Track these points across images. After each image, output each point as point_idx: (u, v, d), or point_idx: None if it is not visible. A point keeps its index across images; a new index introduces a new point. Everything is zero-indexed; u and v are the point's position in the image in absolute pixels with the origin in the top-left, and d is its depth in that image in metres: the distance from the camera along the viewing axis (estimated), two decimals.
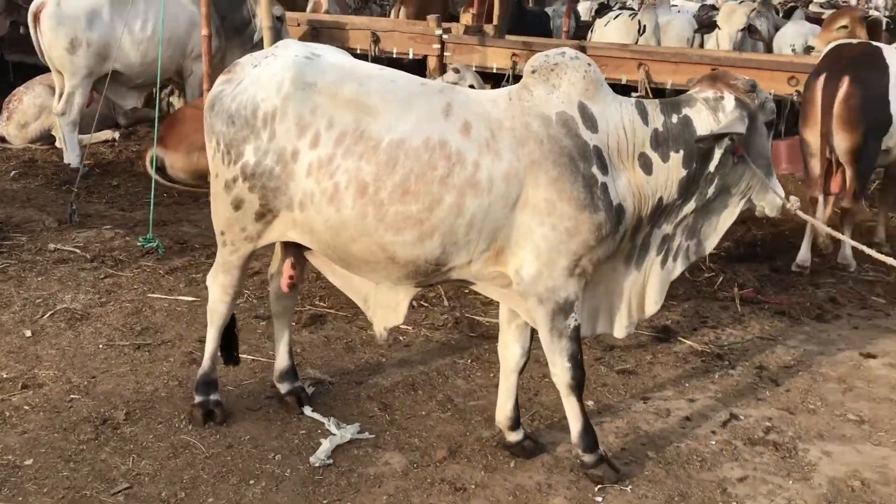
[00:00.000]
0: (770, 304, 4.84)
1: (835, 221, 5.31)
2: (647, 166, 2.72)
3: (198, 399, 3.29)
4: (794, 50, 8.93)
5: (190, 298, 4.49)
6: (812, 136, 5.06)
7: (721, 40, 7.46)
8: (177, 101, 7.19)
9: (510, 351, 3.13)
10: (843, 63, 4.96)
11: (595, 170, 2.63)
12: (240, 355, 3.57)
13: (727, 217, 2.98)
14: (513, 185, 2.63)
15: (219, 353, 3.35)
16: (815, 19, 11.96)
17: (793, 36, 9.26)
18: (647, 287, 2.96)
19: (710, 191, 2.85)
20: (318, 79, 2.71)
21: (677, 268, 2.98)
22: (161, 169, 6.19)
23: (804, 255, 5.29)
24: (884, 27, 9.11)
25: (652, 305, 2.98)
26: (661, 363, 4.08)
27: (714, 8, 13.79)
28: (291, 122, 2.69)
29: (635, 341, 4.25)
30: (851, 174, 5.04)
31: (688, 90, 2.95)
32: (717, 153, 2.78)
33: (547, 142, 2.62)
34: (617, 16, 8.78)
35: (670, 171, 2.74)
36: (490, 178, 2.61)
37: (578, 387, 2.94)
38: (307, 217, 2.75)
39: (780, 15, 11.76)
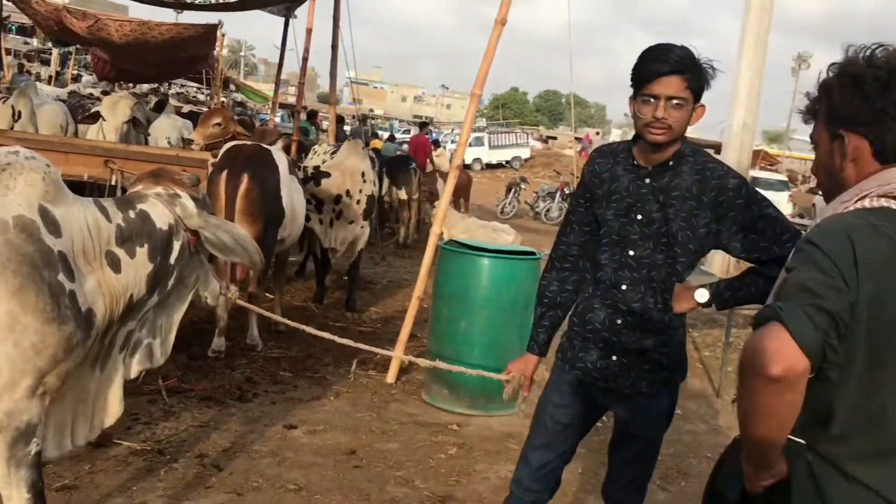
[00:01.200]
0: (195, 391, 4.97)
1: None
2: (115, 264, 2.62)
3: None
4: (169, 142, 9.36)
5: None
6: None
7: (107, 132, 7.38)
8: None
9: None
10: (241, 161, 5.46)
11: (62, 277, 2.43)
12: None
13: (180, 310, 3.05)
14: None
15: None
16: (180, 113, 12.75)
17: (167, 129, 9.67)
18: (109, 388, 2.83)
19: (170, 283, 2.88)
20: None
21: (133, 366, 2.92)
22: None
23: (218, 340, 5.58)
24: (249, 125, 10.21)
25: (117, 406, 2.86)
26: (103, 471, 3.86)
27: (83, 97, 13.59)
28: None
29: (68, 452, 3.92)
30: None
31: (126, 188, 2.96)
32: (177, 245, 2.84)
33: (5, 249, 2.32)
34: None
35: (138, 266, 2.69)
36: None
37: None
38: None
39: (150, 107, 12.21)
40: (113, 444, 4.10)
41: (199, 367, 5.39)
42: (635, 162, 2.61)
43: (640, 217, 2.59)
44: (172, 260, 2.84)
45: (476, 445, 4.73)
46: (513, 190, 19.86)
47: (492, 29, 5.39)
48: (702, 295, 2.58)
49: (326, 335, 3.93)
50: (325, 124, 19.38)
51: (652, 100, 2.48)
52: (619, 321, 2.63)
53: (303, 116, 16.95)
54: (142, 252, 2.71)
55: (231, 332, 5.82)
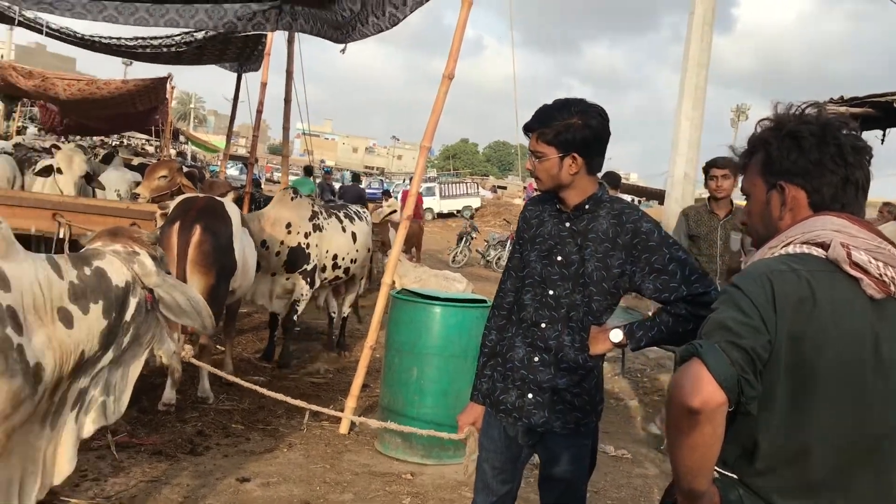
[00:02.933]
0: (146, 445, 4.90)
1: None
2: (67, 320, 2.63)
3: None
4: (119, 194, 9.32)
5: None
6: None
7: (64, 186, 7.33)
8: None
9: None
10: (193, 213, 5.47)
11: (9, 331, 2.43)
12: None
13: (136, 368, 3.04)
14: None
15: None
16: (129, 165, 12.68)
17: (116, 181, 9.64)
18: (60, 446, 2.81)
19: (126, 341, 2.88)
20: None
21: (87, 424, 2.90)
22: None
23: (169, 393, 5.52)
24: (199, 177, 10.20)
25: (67, 464, 2.83)
26: None
27: (30, 149, 13.45)
28: None
29: None
30: None
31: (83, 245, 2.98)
32: (133, 302, 2.85)
33: None
34: None
35: (91, 322, 2.69)
36: None
37: None
38: None
39: (98, 160, 12.15)
40: (60, 502, 4.02)
41: (150, 421, 5.32)
42: (559, 207, 2.80)
43: (559, 258, 2.76)
44: (128, 317, 2.85)
45: (430, 494, 4.74)
46: (464, 239, 20.04)
47: (440, 83, 5.54)
48: (616, 335, 2.71)
49: (280, 396, 3.97)
50: (336, 185, 20.13)
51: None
52: (536, 359, 2.77)
53: (299, 172, 17.30)
54: (96, 308, 2.71)
55: (181, 384, 5.77)
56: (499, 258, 19.74)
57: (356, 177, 20.33)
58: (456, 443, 4.70)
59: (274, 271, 7.07)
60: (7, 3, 8.76)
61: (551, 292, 2.75)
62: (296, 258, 7.11)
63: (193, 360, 3.48)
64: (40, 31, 9.95)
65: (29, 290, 2.54)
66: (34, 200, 6.72)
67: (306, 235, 7.16)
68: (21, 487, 2.71)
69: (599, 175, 2.86)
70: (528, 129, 2.76)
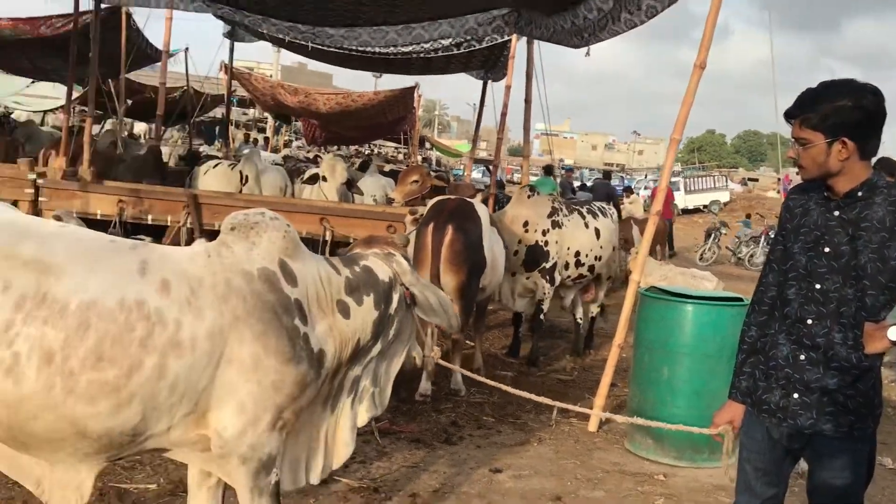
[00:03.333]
0: (405, 433, 5.21)
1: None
2: (345, 311, 2.90)
3: None
4: (375, 200, 9.94)
5: None
6: (424, 276, 5.69)
7: (328, 192, 8.00)
8: None
9: None
10: (445, 215, 5.74)
11: (297, 322, 2.71)
12: None
13: (397, 363, 3.27)
14: (217, 343, 2.58)
15: None
16: (382, 172, 13.51)
17: (372, 187, 10.29)
18: (338, 430, 3.07)
19: (391, 333, 3.11)
20: None
21: (362, 413, 3.14)
22: None
23: (425, 384, 5.82)
24: (445, 180, 10.63)
25: (344, 448, 3.09)
26: None
27: (298, 160, 14.81)
28: None
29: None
30: (458, 309, 5.74)
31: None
32: (395, 297, 3.09)
33: (250, 297, 2.64)
34: (216, 165, 8.96)
35: (365, 313, 2.95)
36: (193, 337, 2.54)
37: None
38: None
39: (355, 167, 13.05)
40: (333, 481, 4.38)
41: (408, 410, 5.64)
42: (826, 194, 2.62)
43: (827, 250, 2.58)
44: (392, 310, 3.09)
45: (685, 497, 4.61)
46: (712, 235, 19.18)
47: (691, 73, 5.37)
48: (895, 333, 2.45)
49: (525, 394, 4.03)
50: (576, 183, 20.72)
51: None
52: (802, 357, 2.60)
53: (539, 172, 17.79)
54: (368, 301, 2.97)
55: (435, 376, 6.06)
56: (751, 255, 18.67)
57: (607, 174, 20.30)
58: (711, 445, 4.53)
59: (514, 270, 7.07)
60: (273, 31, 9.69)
61: (818, 286, 2.58)
62: (534, 256, 7.07)
63: (441, 362, 3.69)
64: (306, 51, 10.88)
65: (313, 285, 2.83)
66: (305, 206, 7.37)
67: (544, 233, 7.10)
68: (307, 465, 3.01)
69: (873, 160, 2.64)
70: (789, 115, 2.61)
